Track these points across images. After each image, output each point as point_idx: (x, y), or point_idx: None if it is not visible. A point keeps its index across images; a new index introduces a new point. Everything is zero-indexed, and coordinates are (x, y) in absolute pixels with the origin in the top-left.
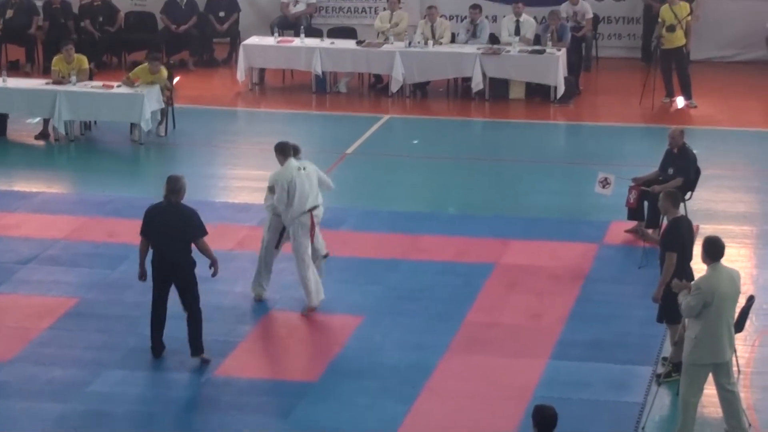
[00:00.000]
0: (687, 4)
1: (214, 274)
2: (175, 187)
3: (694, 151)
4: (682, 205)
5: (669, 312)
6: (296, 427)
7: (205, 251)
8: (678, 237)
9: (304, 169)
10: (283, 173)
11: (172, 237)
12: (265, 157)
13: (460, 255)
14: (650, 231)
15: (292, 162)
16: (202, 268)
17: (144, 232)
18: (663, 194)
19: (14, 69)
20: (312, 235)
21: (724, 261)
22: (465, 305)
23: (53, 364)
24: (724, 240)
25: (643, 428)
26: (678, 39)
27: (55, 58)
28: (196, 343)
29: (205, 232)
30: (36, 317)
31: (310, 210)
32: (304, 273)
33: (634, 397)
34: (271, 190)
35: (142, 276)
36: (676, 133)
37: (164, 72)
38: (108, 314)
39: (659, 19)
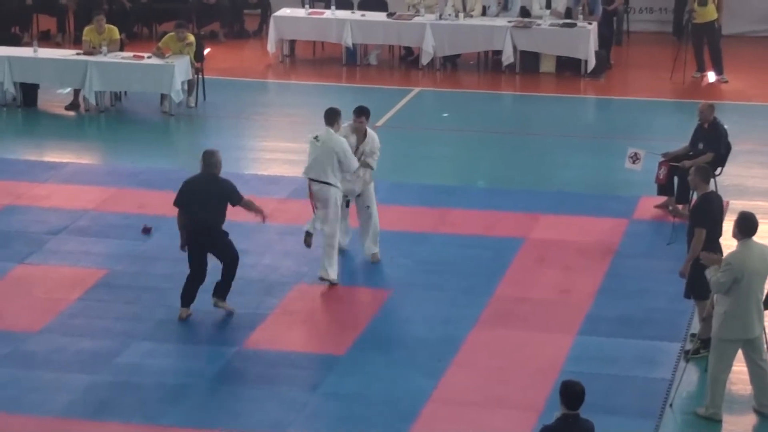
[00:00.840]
0: None
1: (263, 220)
2: (211, 160)
3: (725, 126)
4: (712, 180)
5: (697, 288)
6: (325, 400)
7: (250, 207)
8: (708, 212)
9: (316, 138)
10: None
11: (211, 206)
12: (294, 129)
13: (489, 229)
14: (680, 206)
15: (325, 130)
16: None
17: (179, 203)
18: (693, 169)
19: (45, 39)
20: (312, 206)
21: (755, 237)
22: (494, 279)
23: (82, 335)
24: (745, 202)
25: (671, 405)
26: (710, 13)
27: (86, 29)
28: (223, 288)
29: (242, 196)
30: (65, 288)
31: (309, 179)
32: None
33: (663, 373)
34: None
35: (184, 246)
36: (707, 108)
37: (191, 38)
38: (137, 285)
39: None
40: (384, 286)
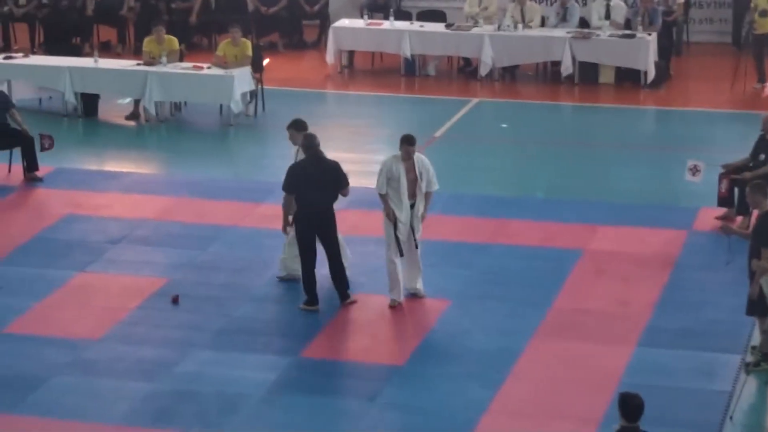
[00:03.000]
0: None
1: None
2: (314, 141)
3: None
4: None
5: (758, 304)
6: (382, 410)
7: (348, 193)
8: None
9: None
10: (386, 160)
11: (324, 188)
12: (353, 139)
13: (547, 240)
14: (739, 218)
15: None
16: None
17: (290, 188)
18: (750, 187)
19: (106, 50)
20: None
21: None
22: (552, 291)
23: (142, 343)
24: None
25: (731, 417)
26: None
27: (146, 39)
28: (342, 290)
29: (346, 185)
30: (125, 297)
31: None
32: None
33: (722, 386)
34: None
35: (285, 228)
36: None
37: (248, 44)
38: (196, 295)
39: (751, 4)
40: (443, 296)
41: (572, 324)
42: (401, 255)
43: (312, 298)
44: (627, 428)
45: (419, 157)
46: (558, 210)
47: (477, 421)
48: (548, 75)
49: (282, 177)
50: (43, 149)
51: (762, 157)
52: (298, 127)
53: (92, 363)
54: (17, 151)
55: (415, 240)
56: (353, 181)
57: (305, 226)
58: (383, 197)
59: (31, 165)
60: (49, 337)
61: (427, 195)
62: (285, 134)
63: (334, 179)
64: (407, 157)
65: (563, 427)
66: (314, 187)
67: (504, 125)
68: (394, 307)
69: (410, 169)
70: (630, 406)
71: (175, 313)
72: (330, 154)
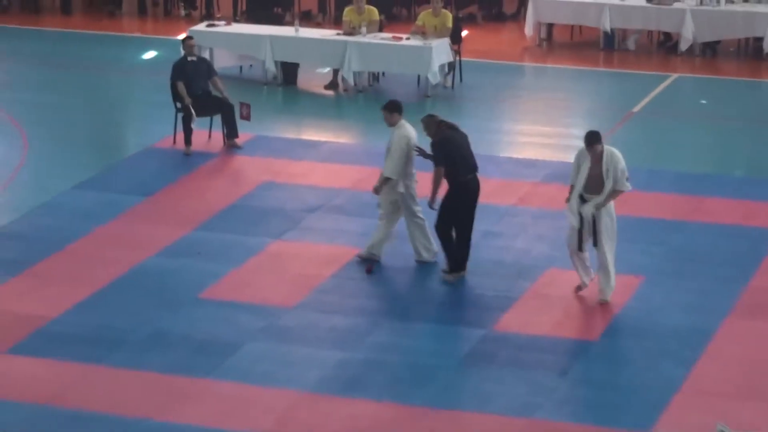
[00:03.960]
0: None
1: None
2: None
3: None
4: None
5: None
6: (574, 386)
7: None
8: None
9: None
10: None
11: (472, 155)
12: (550, 113)
13: (746, 218)
14: None
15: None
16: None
17: (450, 162)
18: None
19: (306, 19)
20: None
21: None
22: (750, 269)
23: (335, 312)
24: None
25: None
26: None
27: (347, 9)
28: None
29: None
30: (320, 265)
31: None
32: None
33: None
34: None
35: (434, 203)
36: None
37: (448, 16)
38: (392, 265)
39: None
40: (636, 272)
41: None
42: (580, 250)
43: (462, 264)
44: None
45: (609, 152)
46: (758, 189)
47: (670, 399)
48: (750, 51)
49: (478, 150)
50: (241, 117)
51: None
52: (393, 108)
53: (286, 330)
54: (217, 118)
55: (595, 238)
56: (550, 155)
57: (467, 197)
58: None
59: (231, 132)
60: (245, 303)
61: (615, 193)
62: (481, 106)
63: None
64: (592, 154)
65: (758, 407)
66: (468, 155)
67: (703, 101)
68: (579, 289)
69: (596, 162)
70: None
71: (368, 282)
72: (527, 127)
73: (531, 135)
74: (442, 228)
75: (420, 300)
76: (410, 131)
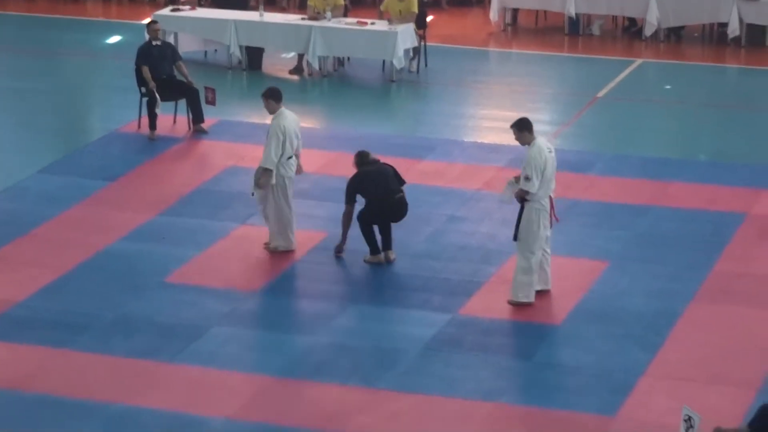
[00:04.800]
0: None
1: None
2: (367, 158)
3: None
4: None
5: None
6: (538, 369)
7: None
8: None
9: (549, 150)
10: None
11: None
12: (514, 98)
13: (710, 203)
14: None
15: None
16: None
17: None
18: None
19: (271, 4)
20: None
21: None
22: (713, 254)
23: (301, 296)
24: None
25: None
26: None
27: None
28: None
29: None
30: (297, 244)
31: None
32: None
33: None
34: None
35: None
36: None
37: (413, 1)
38: (357, 249)
39: None
40: (601, 258)
41: (733, 288)
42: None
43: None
44: None
45: (535, 145)
46: (721, 173)
47: (635, 383)
48: (714, 36)
49: (443, 135)
50: (207, 102)
51: None
52: (271, 95)
53: (251, 314)
54: (182, 103)
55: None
56: (514, 140)
57: (383, 209)
58: None
59: (196, 117)
60: (210, 287)
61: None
62: (446, 91)
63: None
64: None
65: (722, 391)
66: (385, 183)
67: (668, 87)
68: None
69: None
70: None
71: (334, 267)
72: (491, 112)
73: (496, 120)
74: (362, 223)
75: (385, 285)
76: (287, 119)
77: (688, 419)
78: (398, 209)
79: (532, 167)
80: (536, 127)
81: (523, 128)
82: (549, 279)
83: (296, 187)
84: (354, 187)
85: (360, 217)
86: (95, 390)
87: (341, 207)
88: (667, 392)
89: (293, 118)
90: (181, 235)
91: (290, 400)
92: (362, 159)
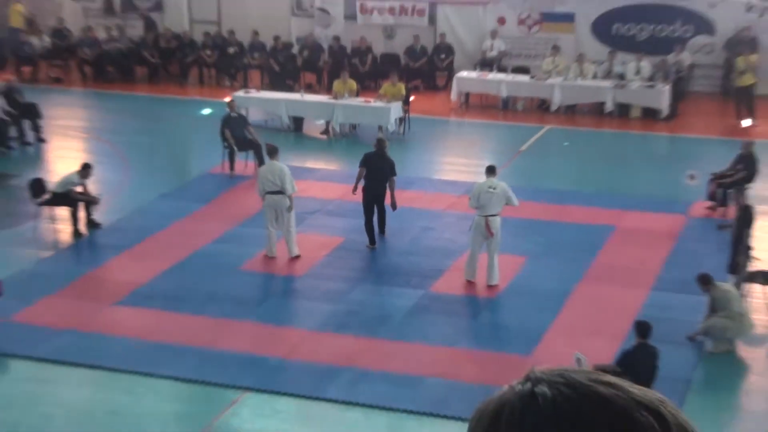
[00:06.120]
0: (755, 56)
1: (394, 208)
2: (384, 144)
3: (757, 155)
4: (748, 194)
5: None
6: (482, 326)
7: (392, 188)
8: (747, 217)
9: (492, 187)
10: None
11: (381, 175)
12: (467, 150)
13: (591, 219)
14: (721, 209)
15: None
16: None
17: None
18: (734, 184)
19: (309, 89)
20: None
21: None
22: (594, 252)
23: (328, 279)
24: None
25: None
26: (748, 79)
27: (335, 82)
28: (381, 223)
29: (395, 174)
30: (319, 248)
31: (487, 216)
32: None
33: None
34: None
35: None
36: (747, 143)
37: (401, 86)
38: (364, 249)
39: (735, 67)
40: (522, 254)
41: (607, 274)
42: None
43: (372, 240)
44: (641, 343)
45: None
46: (599, 200)
47: (543, 336)
48: (596, 111)
49: (420, 174)
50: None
51: (739, 167)
52: (270, 152)
53: (295, 291)
54: (251, 153)
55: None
56: (465, 177)
57: (367, 195)
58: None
59: (260, 161)
60: (268, 273)
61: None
62: (424, 146)
63: (389, 168)
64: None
65: (600, 341)
66: (377, 170)
67: (566, 143)
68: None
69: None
70: (643, 329)
71: (349, 258)
72: (452, 159)
73: (454, 164)
74: (364, 215)
75: (381, 272)
76: (263, 169)
77: (578, 360)
78: (374, 196)
79: (472, 193)
80: (479, 170)
81: (486, 170)
82: (474, 272)
83: (323, 208)
84: (363, 158)
85: (363, 207)
86: (193, 338)
87: (355, 221)
88: (564, 341)
89: (267, 169)
90: (249, 239)
91: (321, 345)
92: (379, 143)
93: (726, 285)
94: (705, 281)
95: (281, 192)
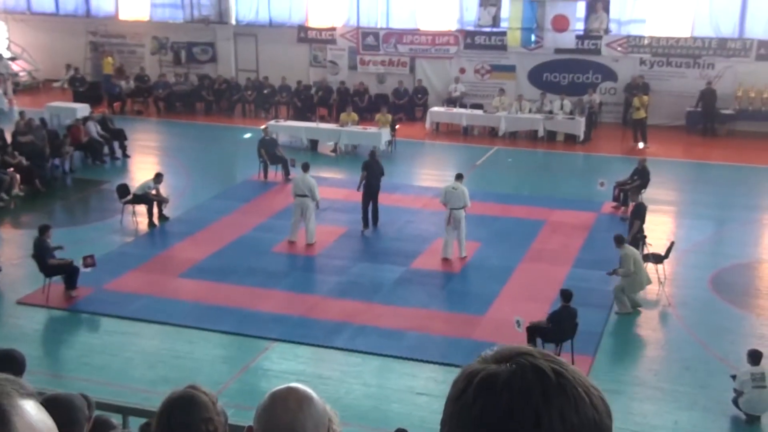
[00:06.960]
0: (646, 96)
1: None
2: (375, 153)
3: (648, 169)
4: (640, 195)
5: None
6: (448, 293)
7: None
8: (640, 213)
9: (455, 188)
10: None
11: (377, 174)
12: (437, 164)
13: (528, 215)
14: (622, 208)
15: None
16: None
17: (364, 168)
18: (631, 190)
19: (322, 119)
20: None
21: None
22: (531, 239)
23: (336, 257)
24: (655, 207)
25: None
26: (641, 114)
27: (342, 114)
28: (375, 217)
29: (383, 174)
30: (329, 235)
31: (452, 209)
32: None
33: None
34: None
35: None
36: (641, 160)
37: (389, 117)
38: (357, 235)
39: (632, 104)
40: (477, 240)
41: (540, 256)
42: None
43: (366, 225)
44: (564, 306)
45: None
46: (534, 200)
47: (493, 301)
48: (531, 136)
49: (404, 181)
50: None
51: (635, 177)
52: (304, 167)
53: (310, 266)
54: (280, 166)
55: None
56: (436, 184)
57: (366, 189)
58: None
59: (287, 173)
60: (293, 254)
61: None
62: (407, 161)
63: (381, 171)
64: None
65: (534, 305)
66: (373, 171)
67: (510, 159)
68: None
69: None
70: (566, 295)
71: (351, 243)
72: (426, 170)
73: (428, 174)
74: (362, 207)
75: (375, 252)
76: (296, 179)
77: (517, 322)
78: (371, 190)
79: (441, 192)
80: (447, 179)
81: (456, 176)
82: (449, 252)
83: (332, 206)
84: (363, 164)
85: (362, 197)
86: (235, 302)
87: (356, 216)
88: (509, 305)
89: (300, 178)
90: (278, 229)
91: (330, 307)
92: (372, 153)
93: (631, 248)
94: (619, 240)
95: (307, 195)
